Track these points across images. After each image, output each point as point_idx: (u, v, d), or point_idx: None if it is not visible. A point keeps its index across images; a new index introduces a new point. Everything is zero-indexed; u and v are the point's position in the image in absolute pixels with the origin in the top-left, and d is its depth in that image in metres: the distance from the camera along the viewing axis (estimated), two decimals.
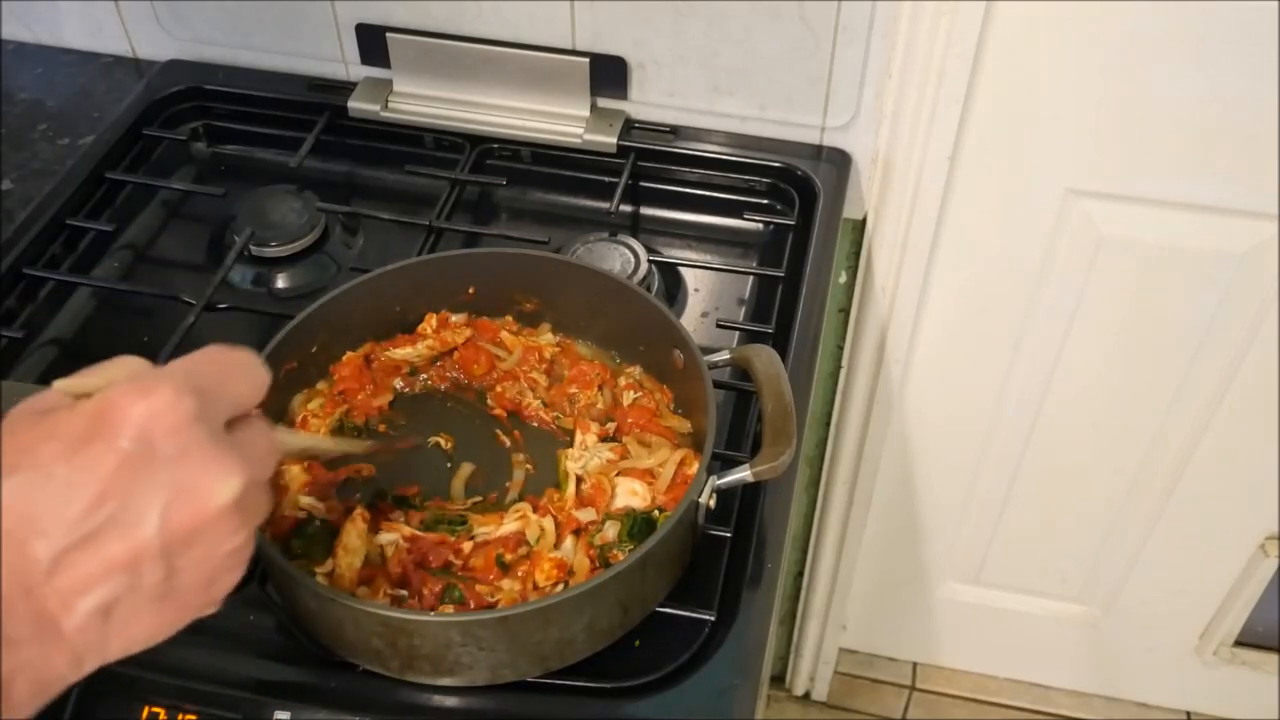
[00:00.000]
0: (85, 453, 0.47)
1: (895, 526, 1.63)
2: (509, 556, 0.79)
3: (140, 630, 0.49)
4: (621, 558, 0.77)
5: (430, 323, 0.94)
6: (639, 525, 0.80)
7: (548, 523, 0.81)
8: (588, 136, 1.17)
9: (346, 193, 1.19)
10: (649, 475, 0.83)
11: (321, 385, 0.91)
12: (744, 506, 0.89)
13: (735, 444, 0.94)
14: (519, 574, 0.79)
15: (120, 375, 0.51)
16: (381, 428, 0.90)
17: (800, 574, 1.70)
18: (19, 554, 0.45)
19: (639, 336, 0.92)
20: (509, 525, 0.81)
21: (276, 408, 0.86)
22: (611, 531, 0.80)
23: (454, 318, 0.95)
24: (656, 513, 0.81)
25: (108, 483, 0.47)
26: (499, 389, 0.92)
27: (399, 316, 0.94)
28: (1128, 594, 1.64)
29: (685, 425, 0.88)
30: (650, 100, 1.19)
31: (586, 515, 0.81)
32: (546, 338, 0.94)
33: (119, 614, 0.48)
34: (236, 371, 0.55)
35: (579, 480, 0.85)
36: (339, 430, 0.88)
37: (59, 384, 0.51)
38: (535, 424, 0.91)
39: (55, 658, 0.46)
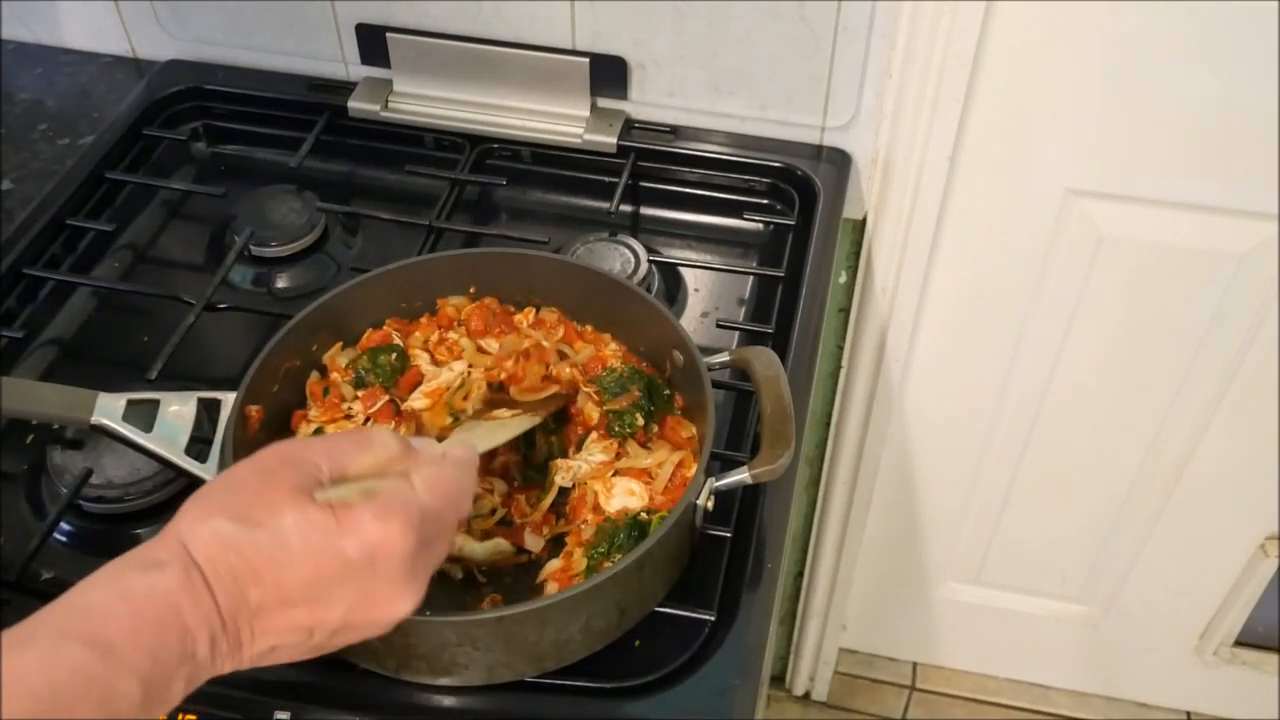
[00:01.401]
0: (319, 541, 0.57)
1: (895, 526, 1.63)
2: None
3: (282, 660, 0.61)
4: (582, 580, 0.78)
5: (528, 316, 0.94)
6: (633, 529, 0.80)
7: (499, 486, 0.83)
8: (588, 136, 1.17)
9: (346, 193, 1.19)
10: (646, 475, 0.83)
11: (423, 319, 0.94)
12: (744, 507, 0.89)
13: (735, 444, 0.94)
14: None
15: (369, 462, 0.63)
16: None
17: (800, 574, 1.70)
18: (240, 592, 0.56)
19: (639, 337, 0.92)
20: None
21: (279, 411, 0.86)
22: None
23: (545, 315, 0.94)
24: (645, 514, 0.81)
25: (324, 573, 0.57)
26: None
27: (399, 315, 0.94)
28: (1128, 594, 1.64)
29: (688, 429, 0.88)
30: (650, 100, 1.19)
31: (535, 544, 0.83)
32: (611, 348, 0.93)
33: (281, 653, 0.60)
34: (461, 500, 0.66)
35: (563, 491, 0.85)
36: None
37: (323, 496, 0.59)
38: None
39: (228, 668, 0.58)
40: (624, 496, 0.81)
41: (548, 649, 0.76)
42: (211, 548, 0.56)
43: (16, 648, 0.50)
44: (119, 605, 0.53)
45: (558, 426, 0.89)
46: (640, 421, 0.86)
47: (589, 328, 0.94)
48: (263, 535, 0.57)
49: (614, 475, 0.83)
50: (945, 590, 1.73)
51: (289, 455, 0.61)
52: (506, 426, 0.83)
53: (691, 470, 0.82)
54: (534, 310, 0.94)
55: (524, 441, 0.87)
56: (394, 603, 0.60)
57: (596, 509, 0.82)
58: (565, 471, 0.85)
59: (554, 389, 0.88)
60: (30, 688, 0.49)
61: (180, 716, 0.76)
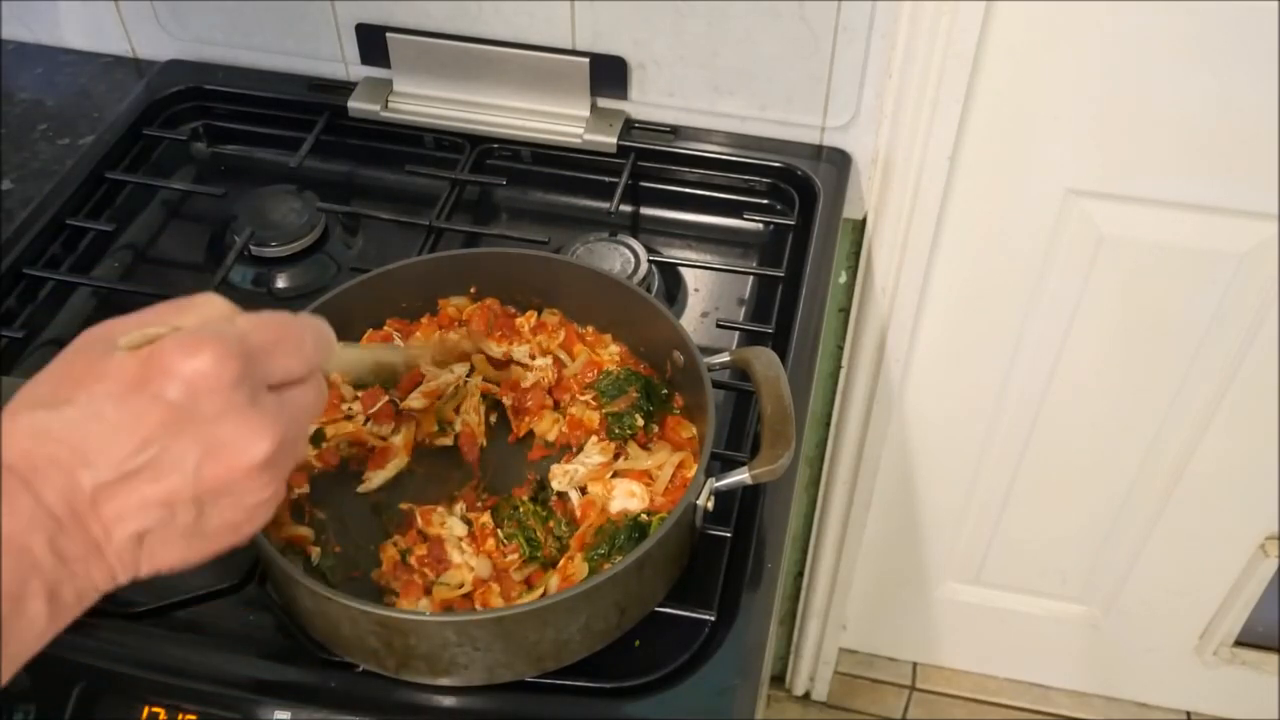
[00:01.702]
0: (134, 398, 0.51)
1: (895, 526, 1.63)
2: (414, 557, 0.80)
3: (170, 558, 0.54)
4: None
5: (530, 320, 0.93)
6: (633, 530, 0.80)
7: (481, 569, 0.80)
8: (588, 136, 1.17)
9: (346, 193, 1.19)
10: (647, 477, 0.83)
11: (424, 319, 0.93)
12: (744, 507, 0.89)
13: (735, 444, 0.94)
14: (412, 579, 0.79)
15: (191, 321, 0.55)
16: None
17: (800, 574, 1.70)
18: (68, 480, 0.50)
19: (639, 338, 0.92)
20: (454, 524, 0.81)
21: None
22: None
23: (547, 318, 0.94)
24: (645, 515, 0.81)
25: (151, 430, 0.51)
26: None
27: (400, 315, 0.94)
28: (1128, 594, 1.64)
29: (689, 429, 0.88)
30: (650, 100, 1.19)
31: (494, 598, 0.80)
32: (611, 349, 0.93)
33: (152, 543, 0.53)
34: (293, 340, 0.58)
35: (564, 495, 0.84)
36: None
37: (127, 339, 0.53)
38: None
39: (95, 573, 0.52)
40: (625, 498, 0.81)
41: (548, 649, 0.76)
42: (22, 442, 0.50)
43: None
44: None
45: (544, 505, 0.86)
46: (640, 422, 0.86)
47: (590, 329, 0.94)
48: (73, 411, 0.51)
49: (613, 477, 0.83)
50: (945, 590, 1.73)
51: (92, 333, 0.55)
52: (371, 350, 0.81)
53: (692, 471, 0.82)
54: (536, 314, 0.94)
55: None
56: (241, 443, 0.53)
57: (602, 511, 0.82)
58: (563, 476, 0.84)
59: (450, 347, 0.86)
60: None
61: (181, 716, 0.76)
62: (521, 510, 0.83)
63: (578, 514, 0.83)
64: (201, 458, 0.52)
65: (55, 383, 0.52)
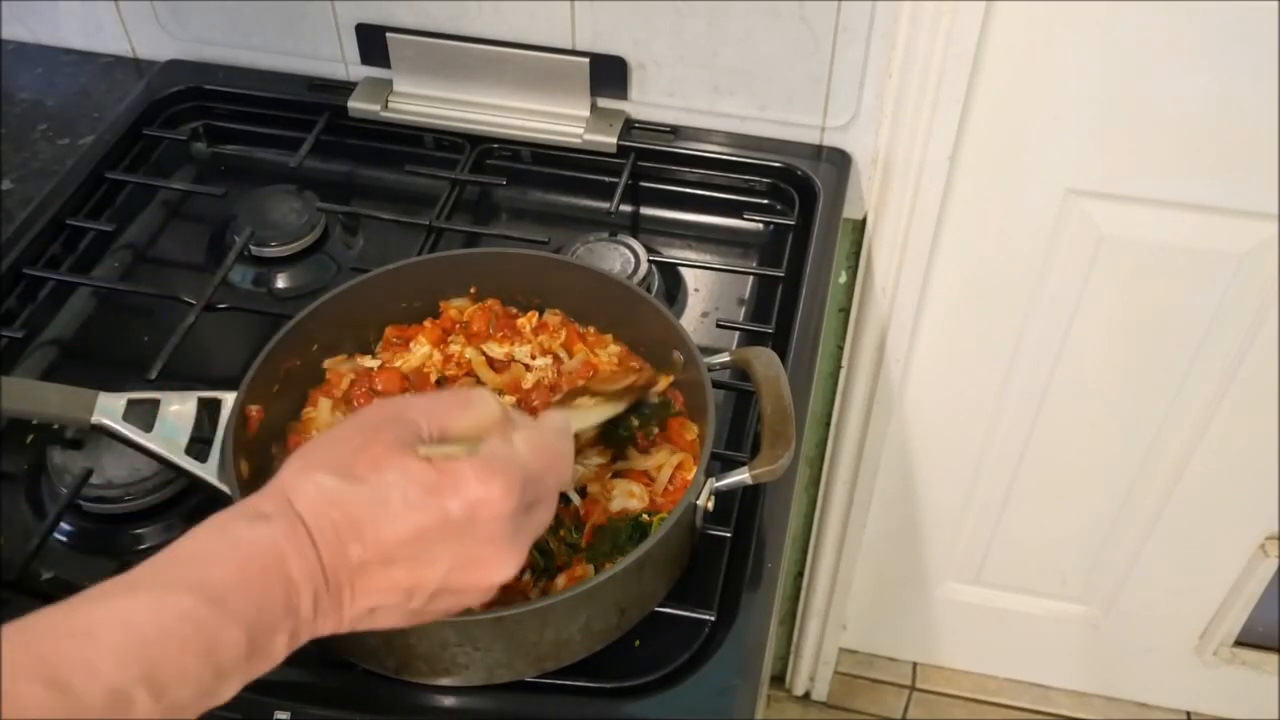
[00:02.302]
0: (421, 500, 0.57)
1: (895, 526, 1.63)
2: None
3: (382, 624, 0.60)
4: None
5: (530, 320, 0.93)
6: (634, 530, 0.79)
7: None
8: (588, 136, 1.18)
9: (346, 193, 1.19)
10: (646, 477, 0.83)
11: (426, 321, 0.93)
12: (744, 507, 0.89)
13: (735, 444, 0.94)
14: None
15: (468, 422, 0.61)
16: None
17: (800, 574, 1.70)
18: (341, 548, 0.56)
19: (640, 338, 0.92)
20: None
21: (279, 411, 0.86)
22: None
23: (549, 318, 0.93)
24: (646, 516, 0.80)
25: (424, 531, 0.57)
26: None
27: (400, 315, 0.94)
28: (1128, 594, 1.64)
29: (692, 430, 0.88)
30: (650, 100, 1.19)
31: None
32: (611, 349, 0.92)
33: (379, 615, 0.60)
34: (557, 466, 0.64)
35: (566, 498, 0.84)
36: None
37: (427, 449, 0.59)
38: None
39: (329, 628, 0.58)
40: (624, 498, 0.81)
41: (548, 649, 0.76)
42: (314, 502, 0.56)
43: (125, 594, 0.51)
44: (226, 553, 0.54)
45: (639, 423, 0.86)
46: (635, 423, 0.86)
47: (591, 329, 0.94)
48: (365, 490, 0.56)
49: (613, 477, 0.83)
50: (945, 590, 1.73)
51: (390, 412, 0.60)
52: (592, 413, 0.80)
53: (691, 471, 0.82)
54: (537, 314, 0.94)
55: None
56: (493, 566, 0.59)
57: (604, 511, 0.82)
58: None
59: (631, 377, 0.85)
60: (139, 633, 0.49)
61: None
62: None
63: (582, 515, 0.83)
64: (456, 565, 0.58)
65: (354, 455, 0.58)
